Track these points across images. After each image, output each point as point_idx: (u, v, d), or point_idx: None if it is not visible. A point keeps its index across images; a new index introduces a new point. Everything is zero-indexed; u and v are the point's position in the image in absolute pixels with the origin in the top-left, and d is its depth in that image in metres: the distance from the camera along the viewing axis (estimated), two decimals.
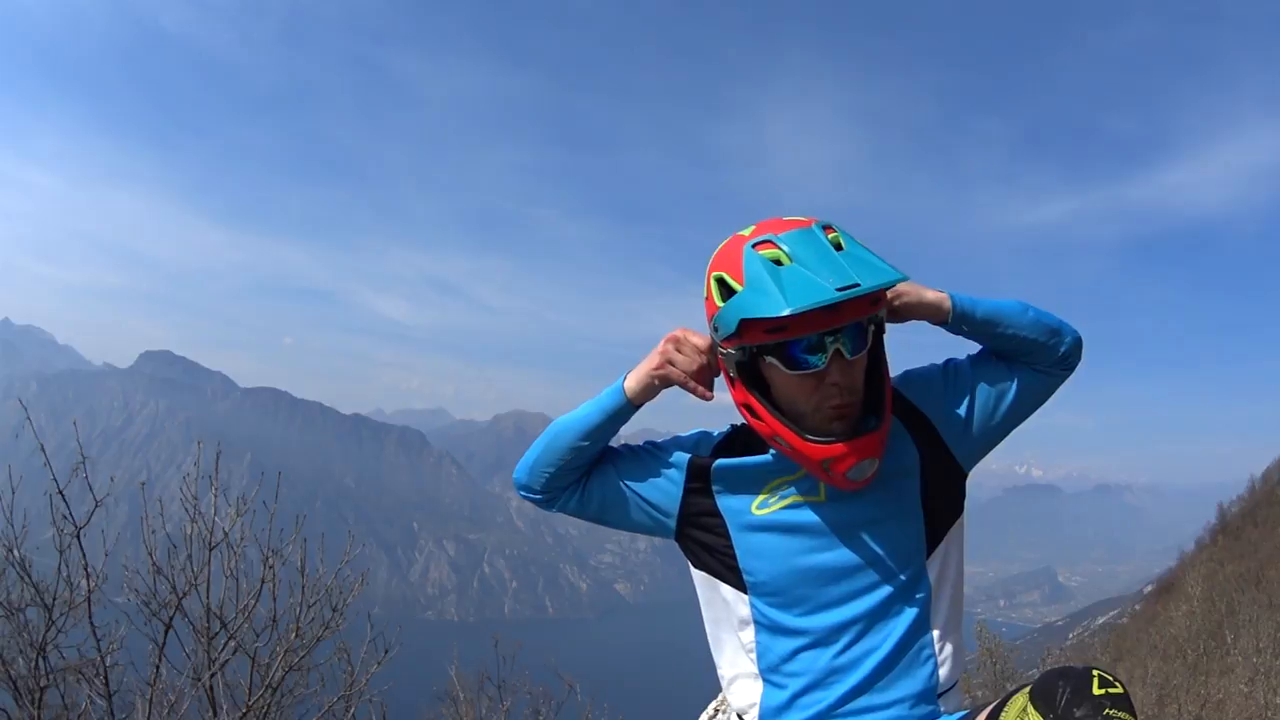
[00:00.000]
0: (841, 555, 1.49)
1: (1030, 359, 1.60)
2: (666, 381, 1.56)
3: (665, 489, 1.62)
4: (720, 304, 1.41)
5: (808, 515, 1.51)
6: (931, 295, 1.54)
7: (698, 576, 1.64)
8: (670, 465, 1.62)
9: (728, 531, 1.56)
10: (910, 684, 1.50)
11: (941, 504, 1.57)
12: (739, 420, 1.55)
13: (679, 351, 1.53)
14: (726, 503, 1.57)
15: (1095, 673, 1.25)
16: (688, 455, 1.62)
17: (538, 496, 1.70)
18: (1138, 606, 46.95)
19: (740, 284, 1.38)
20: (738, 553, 1.55)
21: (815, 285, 1.30)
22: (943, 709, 1.53)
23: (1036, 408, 1.65)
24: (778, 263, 1.36)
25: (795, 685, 1.52)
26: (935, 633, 1.53)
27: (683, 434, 1.69)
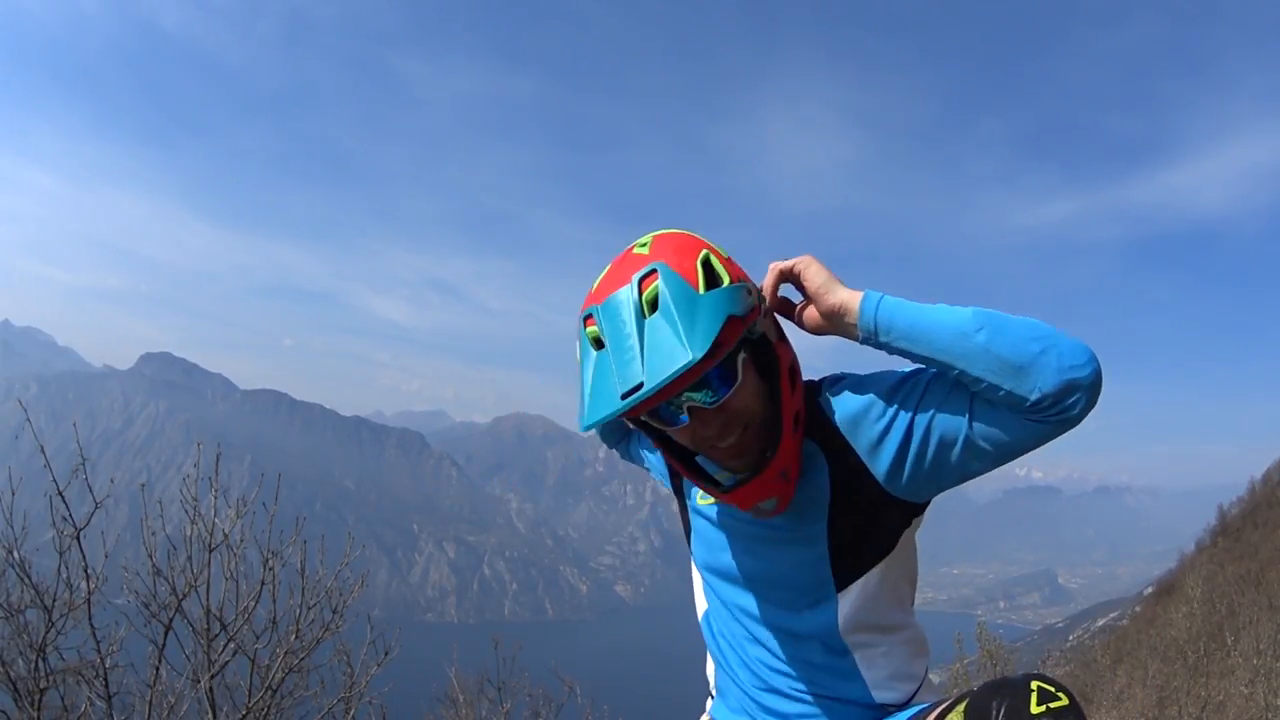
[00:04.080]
0: (749, 563, 1.49)
1: (989, 398, 1.23)
2: None
3: (659, 468, 1.79)
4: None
5: (727, 515, 1.53)
6: (833, 301, 1.33)
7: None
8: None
9: (687, 509, 1.65)
10: (822, 680, 1.47)
11: (858, 539, 1.41)
12: None
13: None
14: (687, 487, 1.64)
15: (1035, 686, 1.14)
16: None
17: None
18: (1138, 608, 46.89)
19: (577, 359, 1.35)
20: (691, 531, 1.65)
21: (608, 391, 1.22)
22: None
23: (1004, 461, 1.27)
24: (597, 343, 1.28)
25: (722, 672, 1.61)
26: (867, 635, 1.46)
27: None
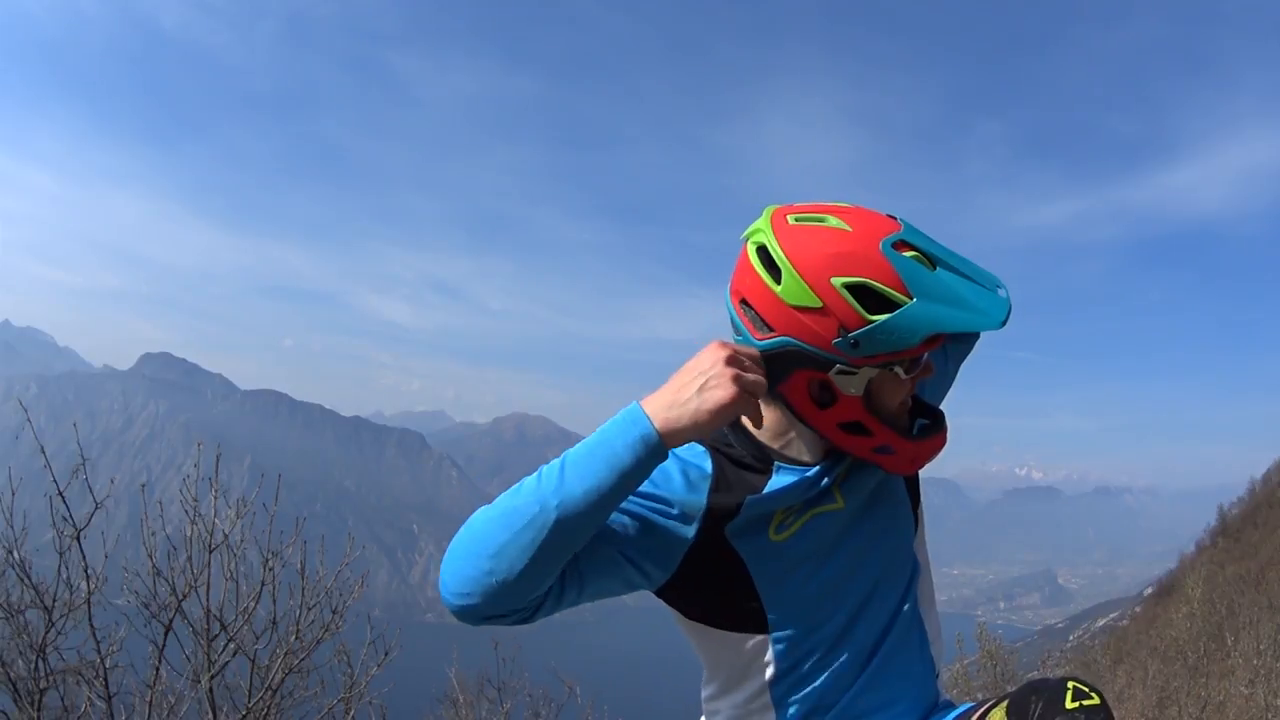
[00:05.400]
0: (863, 555, 1.43)
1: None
2: (733, 415, 1.19)
3: (668, 541, 1.30)
4: (870, 316, 1.21)
5: (831, 525, 1.40)
6: None
7: (696, 629, 1.44)
8: (671, 513, 1.30)
9: (748, 571, 1.35)
10: (916, 664, 1.47)
11: (914, 483, 1.54)
12: None
13: (746, 372, 1.20)
14: (743, 540, 1.34)
15: (1070, 685, 1.22)
16: (698, 499, 1.32)
17: (515, 617, 1.23)
18: (1138, 608, 46.93)
19: (904, 295, 1.21)
20: (761, 590, 1.36)
21: (984, 292, 1.25)
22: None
23: (956, 373, 1.75)
24: (924, 265, 1.24)
25: (815, 695, 1.41)
26: (926, 610, 1.51)
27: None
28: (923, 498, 1.59)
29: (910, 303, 1.21)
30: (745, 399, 1.18)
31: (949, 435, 1.42)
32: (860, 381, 1.28)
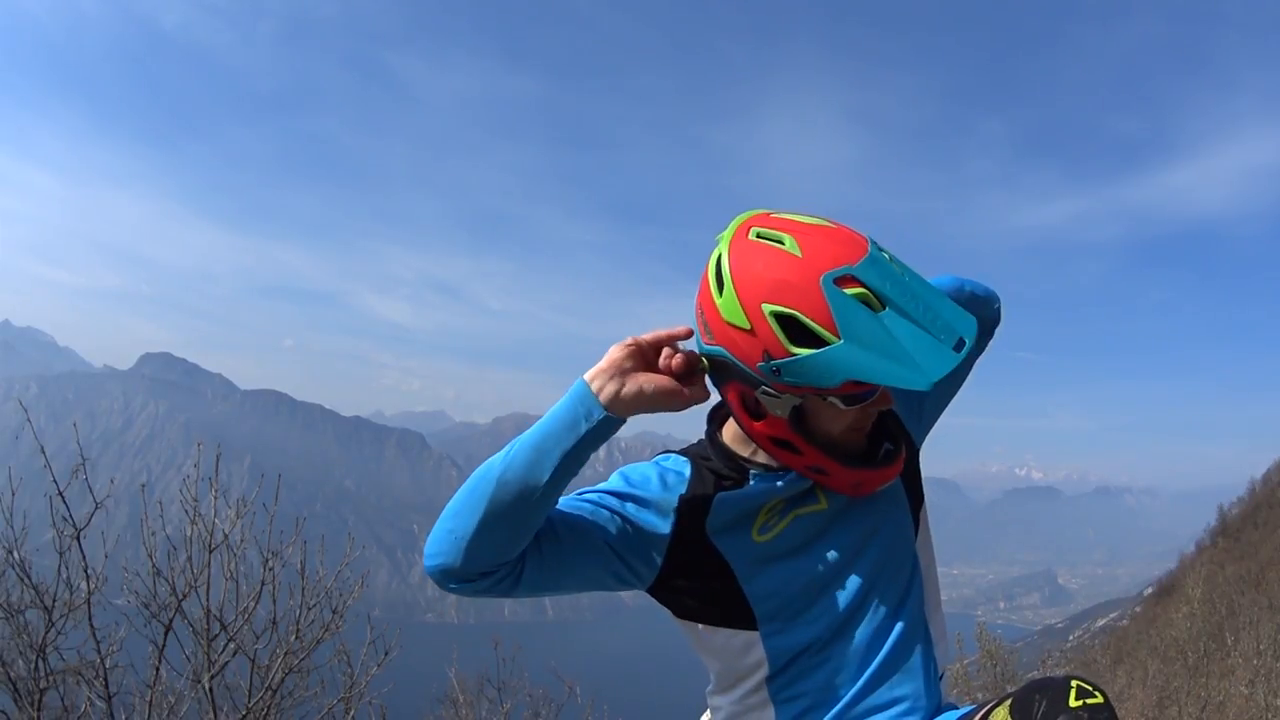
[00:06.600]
0: (852, 555, 1.43)
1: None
2: (627, 363, 1.30)
3: (647, 537, 1.37)
4: (793, 349, 1.21)
5: (814, 525, 1.42)
6: None
7: (688, 627, 1.47)
8: (648, 510, 1.38)
9: (731, 569, 1.39)
10: (919, 666, 1.45)
11: (915, 485, 1.54)
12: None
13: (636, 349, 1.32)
14: (725, 538, 1.39)
15: (1074, 684, 1.22)
16: (672, 496, 1.39)
17: (473, 582, 1.28)
18: (1138, 609, 46.99)
19: (833, 334, 1.19)
20: (745, 588, 1.39)
21: (932, 344, 1.20)
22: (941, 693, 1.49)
23: (967, 375, 1.71)
24: (869, 306, 1.20)
25: (812, 693, 1.42)
26: (930, 612, 1.50)
27: (631, 475, 1.43)
28: (926, 499, 1.57)
29: (835, 344, 1.19)
30: (626, 351, 1.29)
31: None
32: (785, 405, 1.30)
